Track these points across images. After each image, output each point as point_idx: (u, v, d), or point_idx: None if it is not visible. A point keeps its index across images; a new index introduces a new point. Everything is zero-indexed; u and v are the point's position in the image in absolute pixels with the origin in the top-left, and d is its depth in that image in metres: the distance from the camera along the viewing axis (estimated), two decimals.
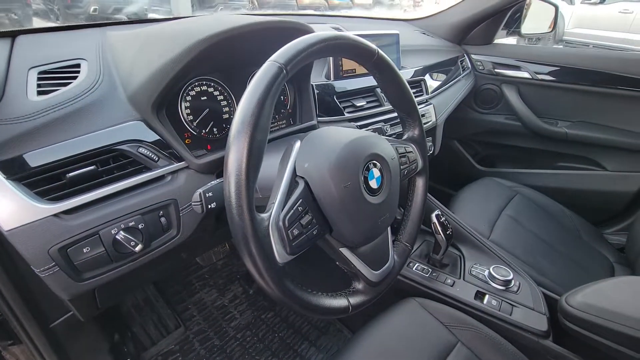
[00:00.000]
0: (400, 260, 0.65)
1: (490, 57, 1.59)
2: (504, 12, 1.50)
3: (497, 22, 1.56)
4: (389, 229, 0.62)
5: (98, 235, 0.50)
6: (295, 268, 1.39)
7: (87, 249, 0.49)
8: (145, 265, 0.58)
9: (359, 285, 0.58)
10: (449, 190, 1.81)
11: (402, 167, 0.63)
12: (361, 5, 6.65)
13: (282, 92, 0.82)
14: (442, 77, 1.44)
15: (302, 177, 0.49)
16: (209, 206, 0.47)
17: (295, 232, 0.46)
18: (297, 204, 0.47)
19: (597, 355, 0.77)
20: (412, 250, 1.09)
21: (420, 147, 0.68)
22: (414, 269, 1.02)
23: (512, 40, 1.98)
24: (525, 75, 1.52)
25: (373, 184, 0.52)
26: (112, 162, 0.53)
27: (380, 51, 0.56)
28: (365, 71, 1.09)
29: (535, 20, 1.67)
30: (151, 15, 3.50)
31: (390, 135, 1.02)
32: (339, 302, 0.53)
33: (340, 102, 0.90)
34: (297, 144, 0.53)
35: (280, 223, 0.45)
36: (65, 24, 0.76)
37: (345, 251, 0.54)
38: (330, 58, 0.91)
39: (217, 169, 0.64)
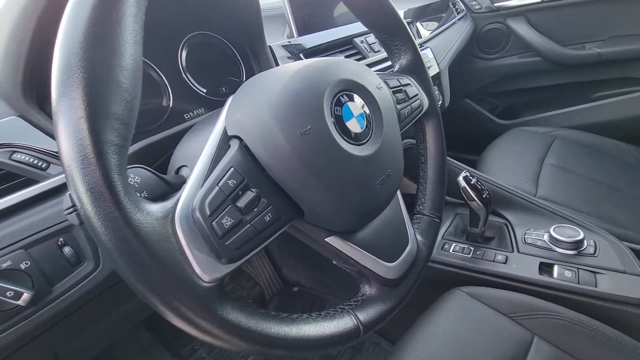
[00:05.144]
0: (427, 239, 0.45)
1: None
2: None
3: None
4: (399, 197, 0.42)
5: None
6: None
7: None
8: (61, 325, 0.40)
9: (371, 290, 0.38)
10: (471, 156, 1.58)
11: (399, 105, 0.43)
12: None
13: (233, 62, 0.64)
14: (434, 25, 1.23)
15: (235, 137, 0.30)
16: None
17: (229, 221, 0.26)
18: (226, 175, 0.28)
19: None
20: (444, 225, 0.87)
21: (420, 77, 0.48)
22: (450, 250, 0.80)
23: None
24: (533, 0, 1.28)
25: (353, 125, 0.32)
26: None
27: None
28: (340, 20, 0.90)
29: None
30: None
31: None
32: (340, 323, 0.33)
33: None
34: (230, 98, 0.34)
35: (197, 212, 0.26)
36: None
37: (334, 241, 0.35)
38: (289, 10, 0.72)
39: (146, 164, 0.46)
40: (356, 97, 0.34)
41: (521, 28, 1.32)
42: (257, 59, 0.66)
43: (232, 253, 0.26)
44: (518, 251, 0.75)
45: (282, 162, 0.29)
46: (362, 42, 0.80)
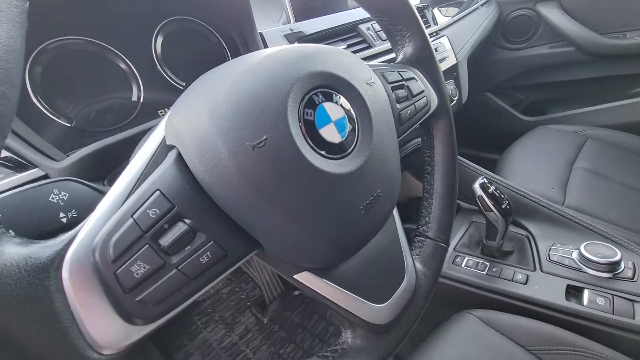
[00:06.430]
0: (430, 269, 0.37)
1: None
2: None
3: None
4: (395, 217, 0.34)
5: None
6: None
7: None
8: None
9: (354, 338, 0.30)
10: (492, 155, 1.46)
11: (399, 105, 0.34)
12: None
13: (218, 50, 0.57)
14: (454, 11, 1.12)
15: (173, 146, 0.23)
16: None
17: (143, 268, 0.20)
18: (147, 202, 0.21)
19: None
20: (457, 235, 0.79)
21: (428, 69, 0.39)
22: (463, 265, 0.72)
23: None
24: None
25: (330, 134, 0.25)
26: None
27: None
28: (344, 4, 0.81)
29: None
30: None
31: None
32: None
33: None
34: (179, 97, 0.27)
35: (97, 255, 0.19)
36: None
37: (306, 278, 0.28)
38: None
39: (103, 170, 0.40)
40: (336, 96, 0.26)
41: (553, 14, 1.18)
42: (246, 46, 0.59)
43: (148, 311, 0.20)
44: (541, 270, 0.66)
45: (227, 184, 0.22)
46: (368, 29, 0.71)
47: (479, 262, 0.71)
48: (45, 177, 0.37)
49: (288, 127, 0.22)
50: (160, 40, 0.51)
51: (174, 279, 0.20)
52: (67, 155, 0.41)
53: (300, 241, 0.24)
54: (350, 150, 0.26)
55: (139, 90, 0.48)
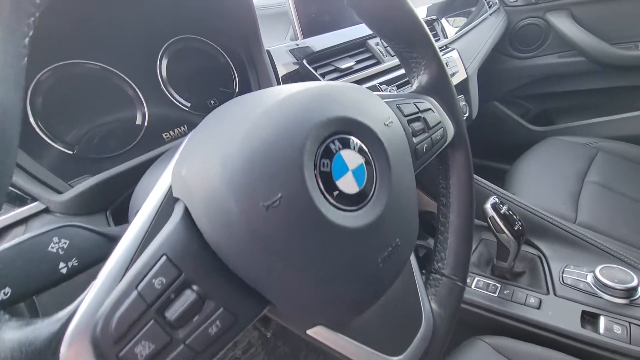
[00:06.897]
0: (447, 310, 0.35)
1: None
2: None
3: None
4: (411, 261, 0.33)
5: None
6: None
7: None
8: None
9: None
10: (500, 164, 1.43)
11: (415, 138, 0.33)
12: None
13: (225, 70, 0.56)
14: (462, 21, 1.10)
15: (180, 200, 0.22)
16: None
17: (148, 348, 0.18)
18: (153, 270, 0.19)
19: None
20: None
21: (444, 98, 0.38)
22: (472, 286, 0.70)
23: None
24: None
25: (347, 185, 0.23)
26: None
27: None
28: (352, 19, 0.80)
29: None
30: None
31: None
32: None
33: (315, 67, 0.61)
34: (189, 135, 0.25)
35: (99, 331, 0.17)
36: None
37: (320, 333, 0.26)
38: (293, 7, 0.63)
39: (106, 201, 0.38)
40: (353, 142, 0.24)
41: (563, 24, 1.16)
42: (253, 65, 0.57)
43: None
44: (555, 294, 0.64)
45: (238, 245, 0.20)
46: (376, 44, 0.69)
47: (489, 284, 0.69)
48: (46, 210, 0.36)
49: (304, 182, 0.21)
50: (165, 60, 0.49)
51: (181, 356, 0.19)
52: (69, 185, 0.39)
53: (317, 299, 0.23)
54: (368, 199, 0.24)
55: (144, 113, 0.47)
